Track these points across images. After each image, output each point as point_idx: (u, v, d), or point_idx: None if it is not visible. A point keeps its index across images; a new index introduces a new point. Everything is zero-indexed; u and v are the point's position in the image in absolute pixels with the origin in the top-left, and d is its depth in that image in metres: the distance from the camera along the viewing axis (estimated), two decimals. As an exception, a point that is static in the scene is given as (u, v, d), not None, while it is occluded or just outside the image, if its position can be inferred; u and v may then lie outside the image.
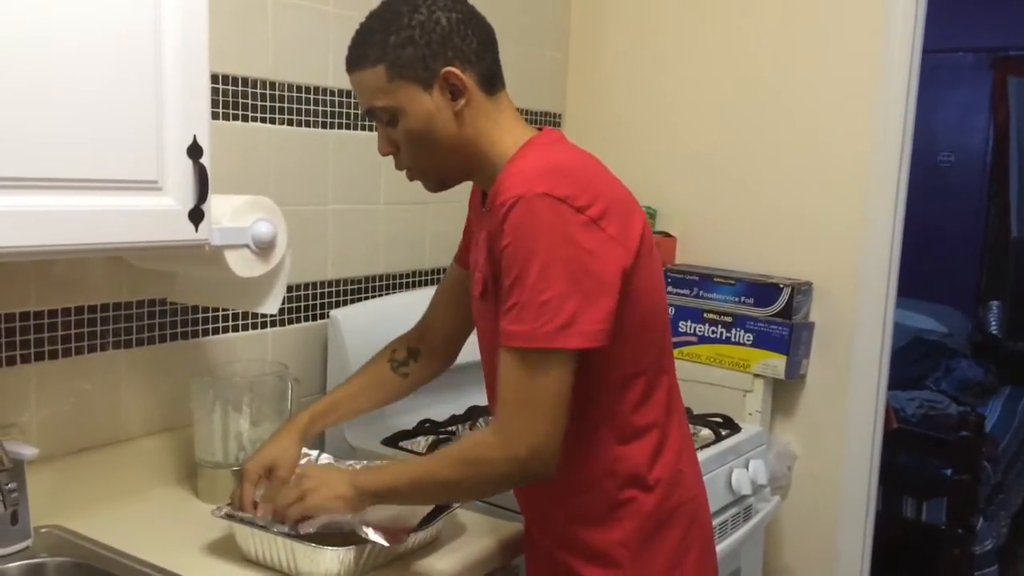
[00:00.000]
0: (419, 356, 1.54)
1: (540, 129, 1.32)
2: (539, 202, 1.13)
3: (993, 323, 4.71)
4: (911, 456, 3.14)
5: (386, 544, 1.26)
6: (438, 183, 1.33)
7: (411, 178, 1.33)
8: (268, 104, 1.74)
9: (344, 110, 1.89)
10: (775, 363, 2.16)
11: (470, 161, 1.28)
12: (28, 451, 1.32)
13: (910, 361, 3.74)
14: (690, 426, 1.47)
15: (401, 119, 1.25)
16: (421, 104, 1.23)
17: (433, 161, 1.29)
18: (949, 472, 3.07)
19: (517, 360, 1.15)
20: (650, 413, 1.29)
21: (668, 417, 1.32)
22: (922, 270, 3.45)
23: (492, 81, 1.28)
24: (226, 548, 1.35)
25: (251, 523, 1.32)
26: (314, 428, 1.48)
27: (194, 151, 1.24)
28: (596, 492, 1.28)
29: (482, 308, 1.29)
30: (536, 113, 2.43)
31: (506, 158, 1.25)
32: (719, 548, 1.61)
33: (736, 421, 2.09)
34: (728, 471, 1.94)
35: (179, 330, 1.64)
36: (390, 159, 1.32)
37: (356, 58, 1.26)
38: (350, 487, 1.26)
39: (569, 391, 1.16)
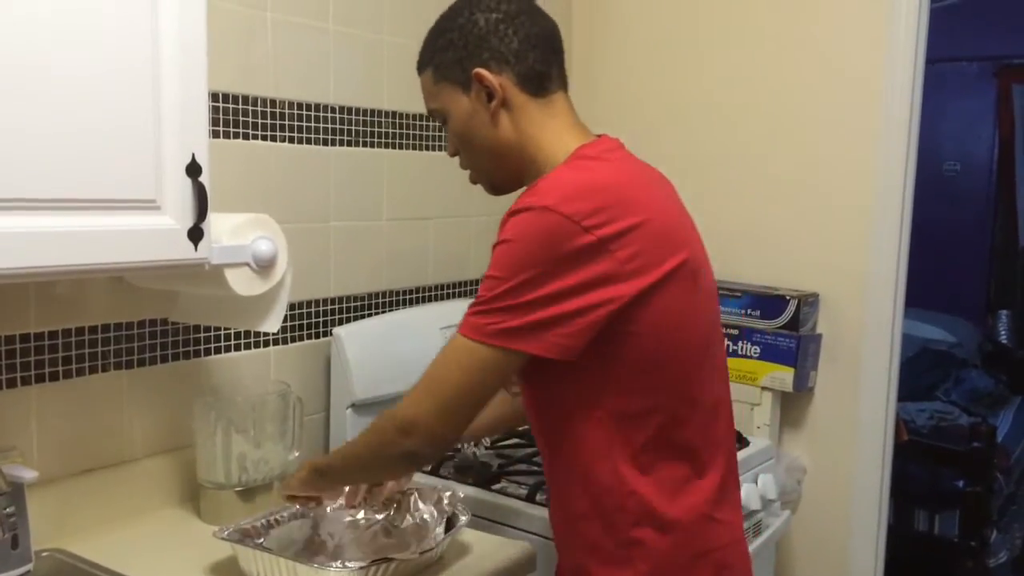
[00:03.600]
0: None
1: (599, 137, 1.27)
2: (542, 215, 1.11)
3: (1003, 332, 4.67)
4: (922, 468, 3.10)
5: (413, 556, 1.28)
6: (491, 186, 1.34)
7: (472, 181, 1.35)
8: (269, 122, 1.74)
9: (345, 127, 1.89)
10: (783, 376, 2.14)
11: (518, 166, 1.26)
12: (28, 474, 1.31)
13: (919, 372, 3.71)
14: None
15: (449, 121, 1.28)
16: (460, 106, 1.25)
17: (481, 164, 1.30)
18: (961, 484, 3.04)
19: (455, 344, 1.15)
20: (671, 450, 1.20)
21: (697, 457, 1.23)
22: (930, 280, 3.42)
23: (538, 82, 1.24)
24: (229, 570, 1.33)
25: (254, 545, 1.31)
26: None
27: (193, 169, 1.23)
28: (606, 524, 1.21)
29: None
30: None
31: (554, 166, 1.21)
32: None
33: (744, 435, 2.07)
34: (737, 486, 1.92)
35: (180, 350, 1.63)
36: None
37: (418, 62, 1.31)
38: (306, 469, 1.36)
39: (486, 394, 1.17)
